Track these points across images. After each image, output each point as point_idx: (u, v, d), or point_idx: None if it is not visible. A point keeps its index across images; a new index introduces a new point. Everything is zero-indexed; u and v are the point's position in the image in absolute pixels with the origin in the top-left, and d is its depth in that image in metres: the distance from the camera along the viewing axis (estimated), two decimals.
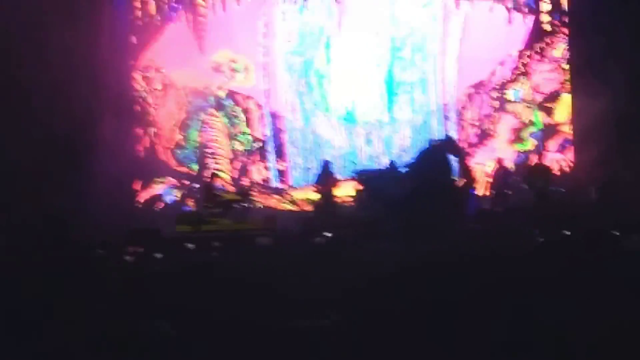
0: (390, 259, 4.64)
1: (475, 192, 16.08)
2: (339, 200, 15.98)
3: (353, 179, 16.27)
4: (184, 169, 17.72)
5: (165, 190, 17.63)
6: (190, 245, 10.89)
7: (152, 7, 17.53)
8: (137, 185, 17.38)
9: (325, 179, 15.76)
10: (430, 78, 17.77)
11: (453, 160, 12.22)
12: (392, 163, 15.78)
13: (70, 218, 11.36)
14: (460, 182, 12.20)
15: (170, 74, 17.57)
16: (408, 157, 16.20)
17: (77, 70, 15.22)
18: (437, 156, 11.88)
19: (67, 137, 14.99)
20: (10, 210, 13.13)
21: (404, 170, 15.27)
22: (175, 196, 17.62)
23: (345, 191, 16.22)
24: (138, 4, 17.48)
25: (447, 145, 13.11)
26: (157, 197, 17.54)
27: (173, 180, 17.66)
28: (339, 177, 16.25)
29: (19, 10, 14.42)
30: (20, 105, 14.67)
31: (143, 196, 17.43)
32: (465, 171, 12.90)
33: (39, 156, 14.42)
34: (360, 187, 15.52)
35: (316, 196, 16.29)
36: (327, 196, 15.62)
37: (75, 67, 15.20)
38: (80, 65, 15.29)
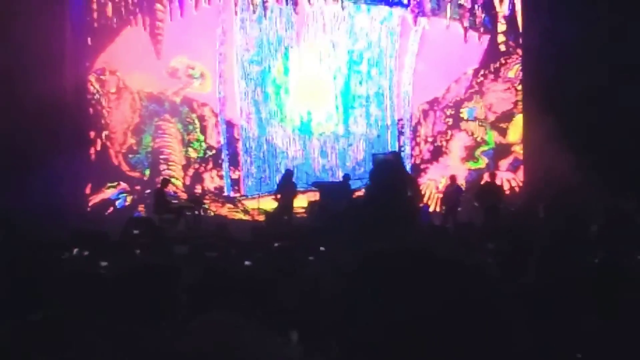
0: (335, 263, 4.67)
1: (426, 207, 16.25)
2: (293, 210, 15.96)
3: (307, 189, 16.31)
4: (136, 174, 17.51)
5: (116, 194, 17.41)
6: (137, 251, 10.75)
7: (109, 9, 17.32)
8: (88, 189, 17.13)
9: (285, 188, 15.73)
10: (386, 93, 17.93)
11: (400, 174, 12.32)
12: (345, 176, 15.87)
13: (16, 218, 11.11)
14: (410, 197, 12.30)
15: (125, 77, 17.38)
16: (361, 170, 16.33)
17: (31, 70, 14.97)
18: (386, 170, 11.97)
19: (16, 136, 14.74)
20: None
21: (356, 183, 15.42)
22: (126, 201, 17.42)
23: (298, 202, 16.22)
24: (95, 6, 17.26)
25: (392, 158, 13.21)
26: (108, 202, 17.31)
27: (124, 185, 17.45)
28: (297, 187, 16.23)
29: None
30: None
31: (93, 200, 17.19)
32: (412, 186, 13.02)
33: None
34: (313, 198, 15.56)
35: (268, 206, 16.26)
36: (284, 206, 15.58)
37: (30, 66, 14.95)
38: (35, 65, 15.03)
